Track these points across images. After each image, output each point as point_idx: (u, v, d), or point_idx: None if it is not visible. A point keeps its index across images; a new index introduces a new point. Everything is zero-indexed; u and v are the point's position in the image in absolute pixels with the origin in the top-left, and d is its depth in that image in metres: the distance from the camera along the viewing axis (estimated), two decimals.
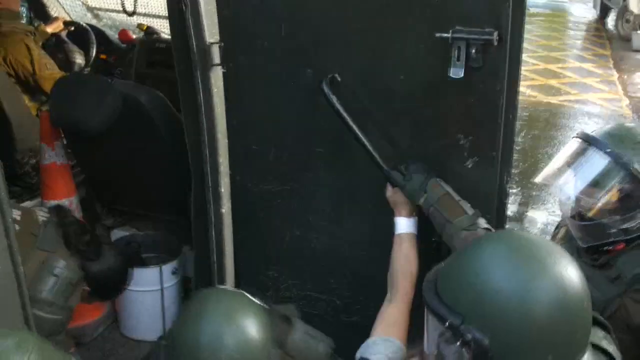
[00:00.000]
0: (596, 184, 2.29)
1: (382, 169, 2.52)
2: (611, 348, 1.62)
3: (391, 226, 2.50)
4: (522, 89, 9.12)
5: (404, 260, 2.39)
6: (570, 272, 1.45)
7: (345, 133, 2.55)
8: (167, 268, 3.54)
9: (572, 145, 2.45)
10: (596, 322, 1.62)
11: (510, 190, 6.38)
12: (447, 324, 1.44)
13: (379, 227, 2.66)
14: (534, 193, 6.32)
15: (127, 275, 2.92)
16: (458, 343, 1.42)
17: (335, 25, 2.59)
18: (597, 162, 2.29)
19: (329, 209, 2.83)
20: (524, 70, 10.23)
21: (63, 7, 5.52)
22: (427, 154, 2.54)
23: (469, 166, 2.51)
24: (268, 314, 2.00)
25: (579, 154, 2.38)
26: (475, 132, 2.47)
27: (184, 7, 2.53)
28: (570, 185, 2.39)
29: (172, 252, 3.67)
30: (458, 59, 2.36)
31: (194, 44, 2.58)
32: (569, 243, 2.48)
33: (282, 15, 2.64)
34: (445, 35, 2.37)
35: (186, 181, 2.86)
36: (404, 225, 2.47)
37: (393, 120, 2.59)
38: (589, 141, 2.34)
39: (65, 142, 3.76)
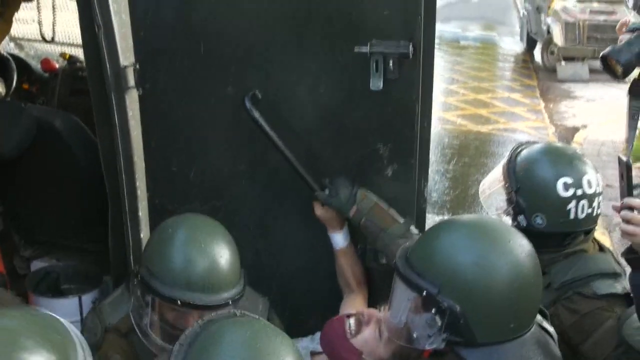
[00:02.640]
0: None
1: (308, 187, 2.55)
2: (551, 329, 1.86)
3: (317, 238, 2.61)
4: (452, 118, 9.36)
5: (351, 268, 2.62)
6: (524, 248, 1.71)
7: (267, 148, 2.56)
8: (87, 298, 3.40)
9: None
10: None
11: (442, 217, 6.48)
12: (424, 293, 1.64)
13: (305, 239, 2.69)
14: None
15: None
16: (433, 311, 1.63)
17: (255, 41, 2.60)
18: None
19: (253, 225, 2.81)
20: (455, 100, 10.52)
21: None
22: (348, 163, 2.62)
23: (389, 174, 2.61)
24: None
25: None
26: (394, 141, 2.56)
27: (97, 29, 2.47)
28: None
29: (93, 282, 3.53)
30: (377, 71, 2.42)
31: (108, 67, 2.51)
32: None
33: (200, 33, 2.63)
34: (364, 49, 2.44)
35: (105, 208, 2.76)
36: (340, 239, 2.62)
37: (315, 133, 2.63)
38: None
39: None
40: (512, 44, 15.98)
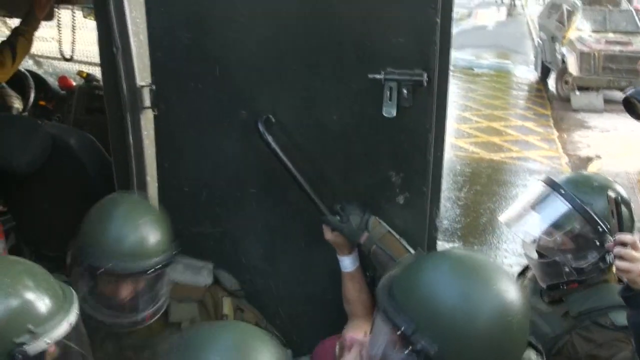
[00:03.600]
0: (553, 224, 2.37)
1: (320, 213, 2.55)
2: None
3: (326, 264, 2.60)
4: (465, 145, 9.38)
5: (359, 292, 2.59)
6: (511, 291, 1.58)
7: (278, 172, 2.56)
8: None
9: (533, 187, 2.53)
10: (531, 345, 1.74)
11: (452, 244, 6.46)
12: (400, 331, 1.53)
13: (313, 265, 2.68)
14: (475, 247, 6.36)
15: None
16: (407, 350, 1.53)
17: (270, 65, 2.61)
18: (554, 203, 2.37)
19: (262, 249, 2.80)
20: (467, 127, 10.53)
21: None
22: (360, 190, 2.60)
23: (401, 202, 2.59)
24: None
25: (538, 196, 2.46)
26: (406, 169, 2.54)
27: (115, 50, 2.50)
28: (531, 226, 2.46)
29: None
30: (390, 99, 2.42)
31: (125, 86, 2.54)
32: (534, 283, 2.54)
33: (216, 56, 2.64)
34: (378, 76, 2.44)
35: None
36: (349, 263, 2.60)
37: (327, 159, 2.63)
38: (548, 184, 2.43)
39: None
40: (526, 73, 16.02)
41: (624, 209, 2.15)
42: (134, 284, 2.31)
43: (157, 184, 2.70)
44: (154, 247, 2.31)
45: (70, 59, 4.92)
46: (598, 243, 2.28)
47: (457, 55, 15.39)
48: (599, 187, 2.35)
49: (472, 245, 6.43)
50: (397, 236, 2.49)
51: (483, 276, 1.59)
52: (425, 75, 2.39)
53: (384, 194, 2.59)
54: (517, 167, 9.07)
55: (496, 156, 9.46)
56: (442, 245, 2.75)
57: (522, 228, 2.48)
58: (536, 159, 9.41)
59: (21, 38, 3.91)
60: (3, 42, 4.00)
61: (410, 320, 1.53)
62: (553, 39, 13.68)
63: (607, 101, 12.17)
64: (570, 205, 2.31)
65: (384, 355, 1.60)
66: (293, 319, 2.84)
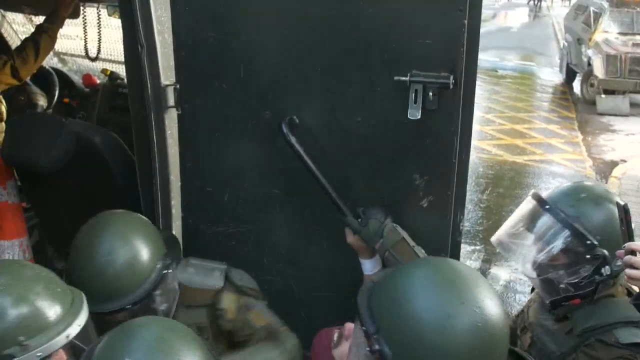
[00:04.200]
0: (541, 241, 2.29)
1: (340, 214, 2.53)
2: None
3: (348, 267, 2.56)
4: (488, 147, 9.30)
5: None
6: (490, 310, 1.46)
7: (301, 174, 2.54)
8: None
9: (522, 205, 2.45)
10: (519, 357, 1.64)
11: (474, 247, 6.42)
12: (363, 328, 1.49)
13: (335, 268, 2.66)
14: (497, 250, 6.29)
15: None
16: (367, 349, 1.48)
17: (295, 67, 2.60)
18: (540, 219, 2.30)
19: (284, 250, 2.79)
20: (491, 129, 10.45)
21: None
22: (383, 193, 2.59)
23: (424, 205, 2.57)
24: (158, 237, 2.40)
25: (526, 213, 2.38)
26: (431, 172, 2.52)
27: (139, 48, 2.50)
28: (519, 245, 2.39)
29: None
30: (415, 101, 2.41)
31: (149, 85, 2.55)
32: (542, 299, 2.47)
33: (241, 57, 2.64)
34: (404, 78, 2.43)
35: None
36: (370, 266, 2.56)
37: (351, 161, 2.61)
38: (534, 199, 2.36)
39: (19, 183, 3.67)
40: (551, 75, 15.88)
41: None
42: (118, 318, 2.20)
43: (180, 184, 2.71)
44: (125, 284, 2.23)
45: (96, 58, 4.94)
46: (588, 256, 2.19)
47: (481, 57, 15.21)
48: (588, 198, 2.27)
49: (494, 247, 6.37)
50: (412, 243, 2.43)
51: (457, 286, 1.48)
52: (451, 78, 2.37)
53: (408, 198, 2.57)
54: (541, 170, 8.98)
55: (519, 159, 9.37)
56: (463, 248, 2.70)
57: (512, 248, 2.42)
58: (560, 162, 9.31)
59: (44, 35, 3.93)
60: (26, 39, 4.03)
61: (374, 321, 1.48)
62: (579, 41, 13.54)
63: (633, 105, 12.02)
64: (554, 219, 2.23)
65: (352, 349, 1.59)
66: (313, 321, 2.81)
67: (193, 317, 2.48)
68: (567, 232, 2.21)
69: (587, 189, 2.34)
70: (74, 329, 1.70)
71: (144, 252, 2.30)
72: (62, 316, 1.70)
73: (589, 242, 2.17)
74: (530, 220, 2.32)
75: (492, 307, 1.46)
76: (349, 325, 1.85)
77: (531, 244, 2.31)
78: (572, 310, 2.27)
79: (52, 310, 1.69)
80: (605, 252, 2.16)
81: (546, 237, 2.26)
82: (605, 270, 2.16)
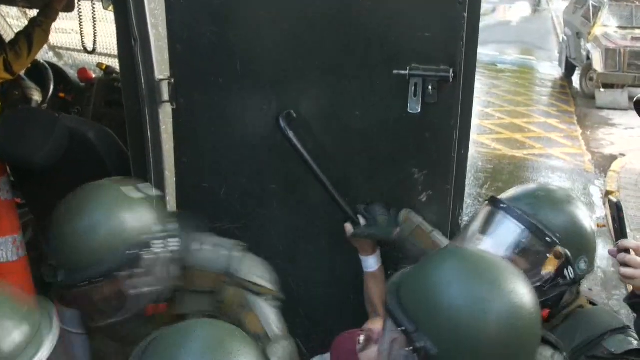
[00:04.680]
0: (498, 243, 2.13)
1: (343, 214, 2.52)
2: None
3: (347, 264, 2.54)
4: (487, 142, 9.27)
5: (381, 292, 2.53)
6: (522, 292, 1.49)
7: (299, 169, 2.52)
8: None
9: (480, 211, 2.30)
10: (546, 342, 1.70)
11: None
12: (401, 328, 1.48)
13: (335, 265, 2.64)
14: None
15: None
16: (409, 349, 1.47)
17: (293, 61, 2.56)
18: (495, 220, 2.16)
19: (282, 247, 2.75)
20: (490, 124, 10.42)
21: None
22: (382, 187, 2.55)
23: (423, 200, 2.54)
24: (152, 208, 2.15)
25: (483, 217, 2.23)
26: (430, 166, 2.49)
27: (133, 42, 2.46)
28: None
29: None
30: (415, 95, 2.38)
31: (143, 79, 2.50)
32: None
33: (237, 51, 2.59)
34: (403, 72, 2.40)
35: None
36: (372, 262, 2.56)
37: (349, 156, 2.58)
38: (488, 202, 2.24)
39: (12, 179, 3.62)
40: (550, 69, 15.85)
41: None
42: (96, 290, 2.04)
43: (175, 179, 2.67)
44: (97, 252, 1.99)
45: (93, 52, 4.89)
46: (549, 256, 2.05)
47: (481, 51, 15.17)
48: (547, 198, 2.15)
49: None
50: (429, 229, 2.42)
51: (489, 275, 1.51)
52: (451, 72, 2.34)
53: (407, 192, 2.54)
54: (540, 165, 8.96)
55: (518, 153, 9.35)
56: None
57: None
58: (559, 157, 9.29)
59: (38, 29, 3.88)
60: (19, 32, 3.99)
61: (412, 319, 1.49)
62: (578, 35, 13.51)
63: (632, 99, 11.96)
64: (510, 217, 2.09)
65: (391, 351, 1.56)
66: (312, 319, 2.79)
67: (193, 302, 2.26)
68: (524, 230, 2.08)
69: (547, 190, 2.24)
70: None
71: (119, 223, 2.05)
72: (28, 343, 1.53)
73: (548, 239, 2.04)
74: (487, 223, 2.18)
75: (524, 290, 1.50)
76: (377, 329, 1.82)
77: (489, 249, 2.11)
78: (552, 329, 2.11)
79: (19, 338, 1.51)
80: (567, 251, 2.05)
81: (503, 238, 2.12)
82: (569, 272, 2.06)
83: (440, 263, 1.58)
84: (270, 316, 2.31)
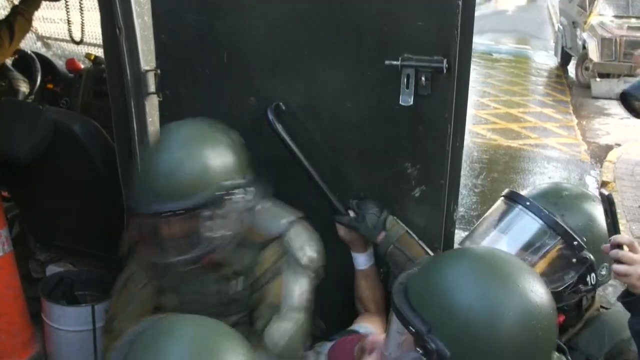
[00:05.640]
0: (520, 244, 2.05)
1: (333, 210, 2.47)
2: None
3: (338, 259, 2.48)
4: (482, 132, 9.22)
5: (372, 291, 2.52)
6: (538, 292, 1.45)
7: (288, 163, 2.46)
8: (101, 307, 3.31)
9: (495, 205, 2.24)
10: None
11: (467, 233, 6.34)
12: (413, 330, 1.43)
13: (326, 261, 2.54)
14: None
15: None
16: (420, 351, 1.43)
17: (281, 51, 2.51)
18: (518, 219, 2.08)
19: None
20: (485, 113, 10.36)
21: None
22: (374, 182, 2.50)
23: (416, 195, 2.48)
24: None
25: (501, 214, 2.16)
26: (423, 160, 2.43)
27: (118, 32, 2.40)
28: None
29: (107, 290, 3.45)
30: (407, 87, 2.32)
31: (128, 70, 2.44)
32: None
33: (224, 41, 2.54)
34: (395, 62, 2.33)
35: (123, 215, 2.67)
36: (363, 260, 2.52)
37: (340, 150, 2.52)
38: (509, 198, 2.15)
39: None
40: (545, 59, 15.80)
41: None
42: (172, 224, 2.13)
43: None
44: (188, 186, 2.08)
45: (80, 42, 4.80)
46: (575, 260, 1.98)
47: (476, 40, 15.03)
48: (571, 196, 2.08)
49: None
50: (416, 237, 2.37)
51: (504, 274, 1.46)
52: (445, 62, 2.26)
53: (399, 187, 2.48)
54: (535, 155, 8.91)
55: (514, 143, 9.30)
56: (458, 233, 2.60)
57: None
58: (555, 147, 9.24)
59: (20, 17, 3.80)
60: (0, 21, 3.90)
61: (424, 320, 1.44)
62: (574, 24, 13.44)
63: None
64: (536, 217, 2.01)
65: (400, 356, 1.52)
66: None
67: (241, 258, 2.30)
68: (552, 233, 1.99)
69: (568, 188, 2.17)
70: None
71: (223, 157, 2.17)
72: None
73: (576, 242, 1.97)
74: (505, 221, 2.10)
75: (540, 290, 1.46)
76: (372, 339, 1.77)
77: (506, 248, 2.03)
78: (573, 337, 2.08)
79: None
80: (592, 257, 1.97)
81: (524, 237, 2.03)
82: (592, 278, 1.99)
83: (453, 262, 1.54)
84: (295, 288, 2.31)
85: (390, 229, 2.38)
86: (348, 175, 2.52)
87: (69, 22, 4.93)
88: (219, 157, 2.17)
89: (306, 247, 2.33)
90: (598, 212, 2.00)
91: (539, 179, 7.94)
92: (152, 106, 2.52)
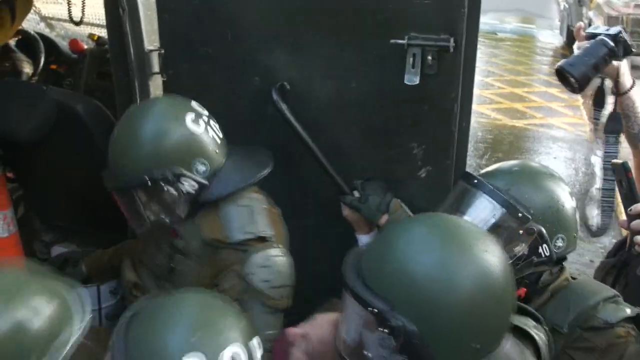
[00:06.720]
0: (470, 217, 2.06)
1: (338, 189, 2.45)
2: (537, 337, 1.66)
3: (340, 240, 2.37)
4: (487, 111, 9.16)
5: None
6: (491, 252, 1.45)
7: (293, 143, 2.45)
8: (106, 288, 3.31)
9: (454, 189, 2.26)
10: (528, 313, 1.67)
11: None
12: (374, 310, 1.38)
13: (328, 242, 2.55)
14: None
15: None
16: (385, 330, 1.39)
17: (285, 30, 2.49)
18: (466, 195, 2.11)
19: None
20: (490, 93, 10.31)
21: None
22: (379, 163, 2.49)
23: (422, 176, 2.47)
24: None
25: (456, 195, 2.19)
26: (429, 141, 2.42)
27: (121, 12, 2.39)
28: None
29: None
30: (413, 66, 2.30)
31: (132, 50, 2.44)
32: None
33: (227, 20, 2.52)
34: (401, 41, 2.31)
35: None
36: (367, 242, 2.46)
37: (344, 130, 2.51)
38: (463, 178, 2.17)
39: (1, 153, 3.55)
40: (551, 37, 15.68)
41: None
42: (117, 199, 2.29)
43: None
44: (121, 165, 2.17)
45: (80, 22, 4.78)
46: (521, 232, 2.00)
47: (480, 19, 15.08)
48: (522, 172, 2.10)
49: None
50: None
51: (457, 238, 1.45)
52: (452, 41, 2.24)
53: (405, 168, 2.47)
54: (540, 135, 8.87)
55: (519, 123, 9.25)
56: None
57: None
58: (560, 126, 9.19)
59: None
60: (0, 2, 3.87)
61: (384, 298, 1.39)
62: (579, 2, 13.33)
63: (635, 67, 11.86)
64: (482, 193, 2.03)
65: (362, 339, 1.45)
66: (304, 296, 2.72)
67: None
68: (496, 206, 2.02)
69: (523, 166, 2.19)
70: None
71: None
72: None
73: (520, 214, 1.98)
74: (460, 200, 2.12)
75: (493, 248, 1.46)
76: (290, 331, 1.73)
77: None
78: (539, 309, 2.02)
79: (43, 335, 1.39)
80: (542, 228, 1.99)
81: (476, 214, 2.05)
82: (544, 250, 2.00)
83: (407, 231, 1.49)
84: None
85: (393, 212, 2.37)
86: (352, 155, 2.51)
87: (69, 2, 4.89)
88: (158, 140, 2.12)
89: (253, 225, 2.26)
90: (551, 186, 2.04)
91: (544, 158, 7.91)
92: (156, 86, 2.53)
